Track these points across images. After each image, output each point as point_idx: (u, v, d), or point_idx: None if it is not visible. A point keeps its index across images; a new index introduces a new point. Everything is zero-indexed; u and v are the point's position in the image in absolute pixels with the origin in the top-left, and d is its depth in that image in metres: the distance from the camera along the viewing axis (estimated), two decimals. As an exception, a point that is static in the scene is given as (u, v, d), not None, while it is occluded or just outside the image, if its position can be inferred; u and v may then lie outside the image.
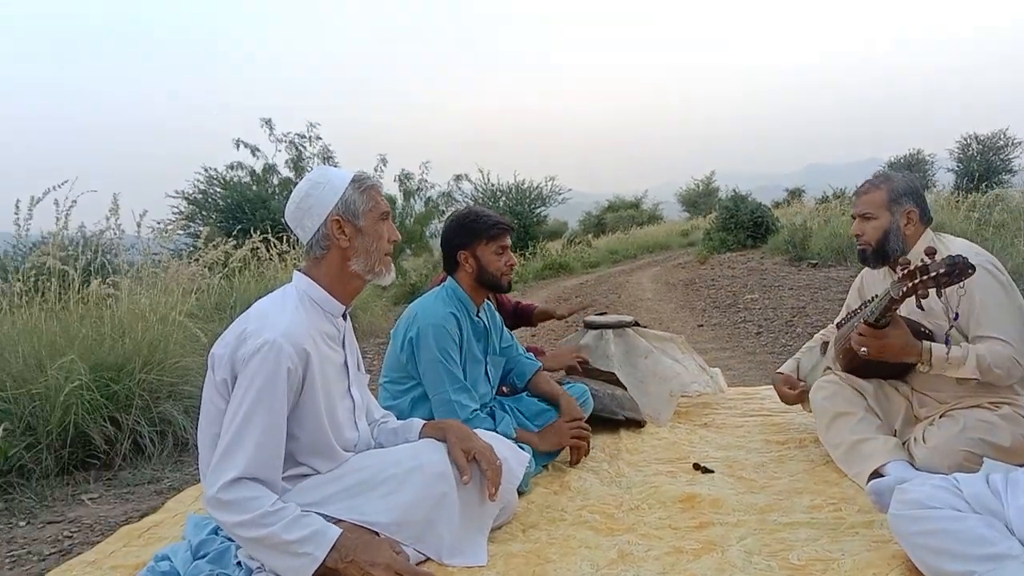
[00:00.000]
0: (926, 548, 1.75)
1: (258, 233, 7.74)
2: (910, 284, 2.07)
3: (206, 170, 16.55)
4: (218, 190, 16.34)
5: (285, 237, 8.51)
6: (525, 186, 23.02)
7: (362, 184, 2.06)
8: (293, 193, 2.08)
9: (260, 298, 2.08)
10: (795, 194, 32.33)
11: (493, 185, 22.88)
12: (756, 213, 17.03)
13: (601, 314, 4.21)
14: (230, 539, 2.06)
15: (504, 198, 22.56)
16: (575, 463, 2.87)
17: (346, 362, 2.14)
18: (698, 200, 38.85)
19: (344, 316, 2.15)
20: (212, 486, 1.83)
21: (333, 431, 2.05)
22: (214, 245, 6.46)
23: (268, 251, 7.99)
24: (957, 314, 2.30)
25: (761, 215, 17.01)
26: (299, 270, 2.11)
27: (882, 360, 2.37)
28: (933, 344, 2.36)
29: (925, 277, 2.04)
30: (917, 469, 2.39)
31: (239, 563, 1.97)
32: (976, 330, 2.36)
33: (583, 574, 1.96)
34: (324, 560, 1.82)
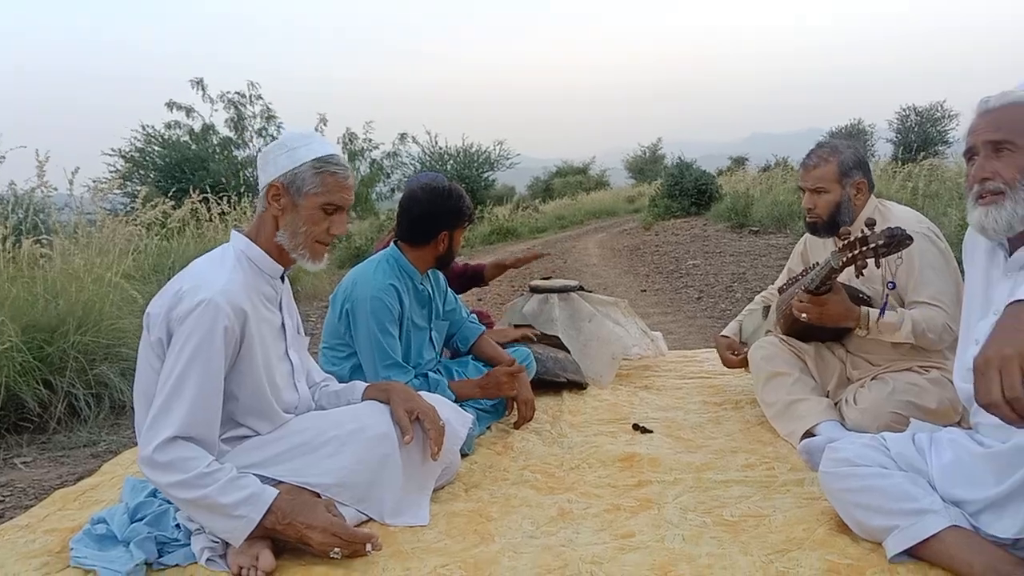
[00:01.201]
0: (854, 504, 1.82)
1: (197, 193, 7.55)
2: (849, 255, 2.13)
3: (144, 128, 16.03)
4: (156, 148, 15.85)
5: (226, 197, 8.31)
6: (473, 150, 22.84)
7: (324, 167, 1.98)
8: (272, 143, 2.06)
9: (198, 258, 2.05)
10: (739, 162, 32.81)
11: (441, 148, 22.63)
12: (700, 181, 17.25)
13: (546, 278, 4.24)
14: (169, 501, 2.04)
15: (452, 161, 22.35)
16: (519, 426, 2.90)
17: (283, 324, 2.11)
18: (645, 167, 39.15)
19: (282, 278, 2.12)
20: (147, 446, 1.80)
21: (272, 392, 2.03)
22: (152, 205, 6.28)
23: (208, 211, 7.80)
24: (893, 283, 2.38)
25: (705, 183, 17.24)
26: (237, 229, 2.07)
27: (822, 325, 2.44)
28: (870, 310, 2.44)
29: (864, 248, 2.09)
30: (848, 429, 2.49)
31: (178, 525, 1.96)
32: (913, 295, 2.44)
33: (523, 532, 2.00)
34: (260, 522, 1.81)
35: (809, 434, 2.52)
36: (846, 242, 2.14)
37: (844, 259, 2.15)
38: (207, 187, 8.44)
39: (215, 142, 16.36)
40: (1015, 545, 1.59)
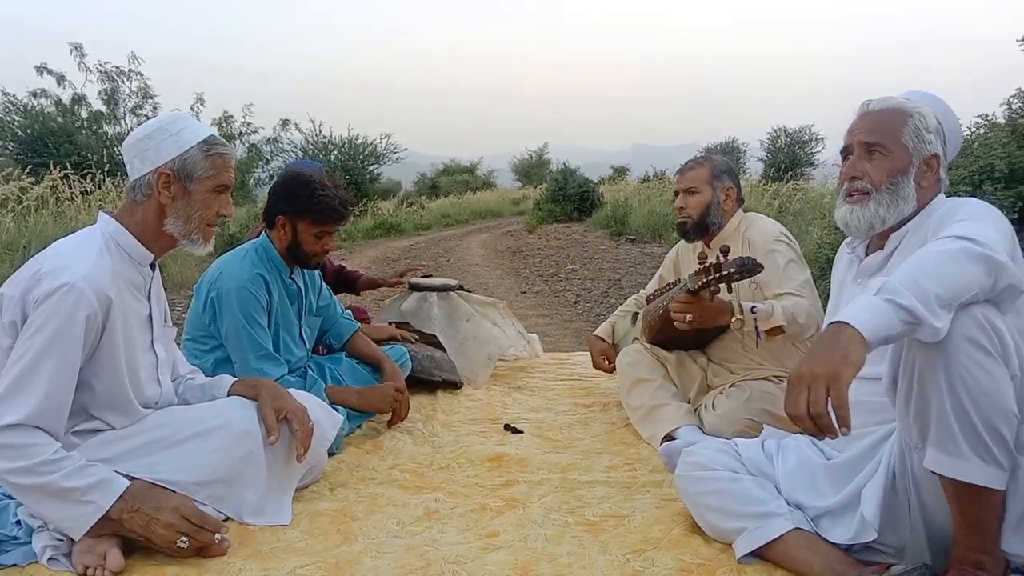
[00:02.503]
0: (706, 507, 1.92)
1: (59, 169, 7.06)
2: (704, 279, 2.24)
3: (4, 94, 14.83)
4: (16, 119, 14.70)
5: (91, 175, 7.81)
6: (359, 141, 22.41)
7: (211, 149, 1.94)
8: (142, 126, 1.95)
9: (59, 239, 1.92)
10: (620, 172, 33.77)
11: (325, 137, 22.09)
12: (583, 188, 17.65)
13: (426, 276, 4.22)
14: (10, 497, 1.91)
15: (336, 152, 21.85)
16: (391, 425, 2.87)
17: (151, 314, 2.01)
18: (531, 170, 39.64)
19: (152, 266, 2.02)
20: None
21: (132, 386, 1.93)
22: (4, 177, 5.82)
23: (70, 189, 7.31)
24: (754, 306, 2.49)
25: (588, 190, 17.65)
26: (107, 212, 1.96)
27: (699, 325, 2.52)
28: (744, 303, 2.55)
29: (718, 275, 2.21)
30: (706, 433, 2.61)
31: (18, 522, 1.83)
32: (778, 288, 2.57)
33: (388, 532, 1.99)
34: (109, 510, 1.73)
35: (669, 437, 2.63)
36: (701, 267, 2.25)
37: (700, 283, 2.25)
38: (70, 163, 7.87)
39: (84, 115, 15.33)
40: (851, 548, 1.71)
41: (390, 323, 3.67)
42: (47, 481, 1.69)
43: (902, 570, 1.49)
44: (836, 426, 1.29)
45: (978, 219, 1.54)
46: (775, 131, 29.73)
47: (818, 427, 1.29)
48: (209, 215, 1.96)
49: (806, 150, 29.07)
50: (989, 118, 3.85)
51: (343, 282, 3.76)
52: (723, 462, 1.94)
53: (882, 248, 1.82)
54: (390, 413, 2.83)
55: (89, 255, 1.82)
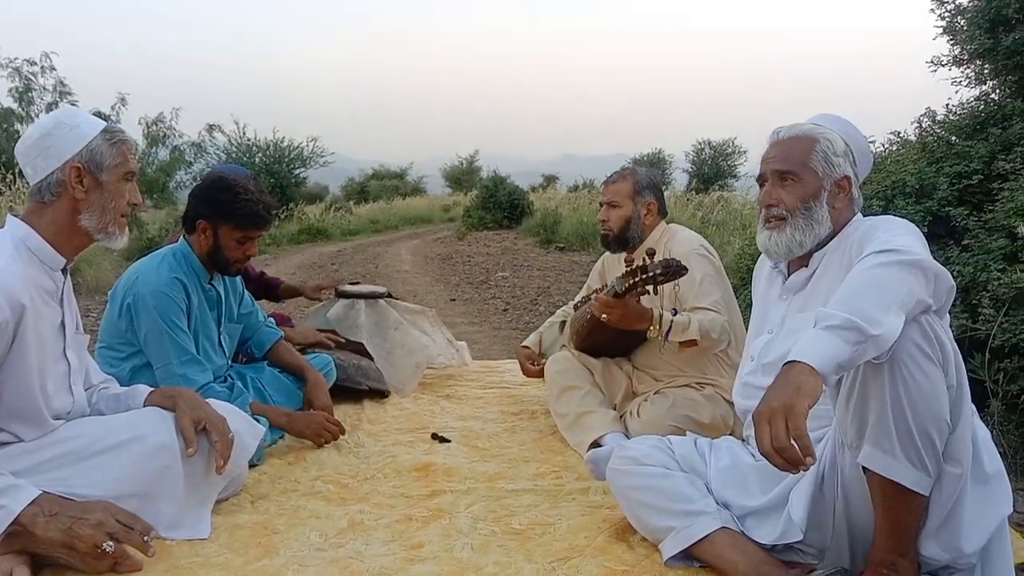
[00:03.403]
0: (636, 502, 1.95)
1: (-37, 168, 6.72)
2: (631, 281, 2.28)
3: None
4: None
5: (1, 176, 7.46)
6: (284, 144, 21.96)
7: (114, 136, 1.90)
8: (33, 127, 1.88)
9: None
10: (550, 180, 34.04)
11: (249, 140, 21.58)
12: (513, 195, 17.73)
13: (354, 283, 4.17)
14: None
15: (260, 155, 21.36)
16: (320, 445, 2.76)
17: (63, 321, 1.94)
18: (461, 177, 39.59)
19: (64, 271, 1.94)
20: None
21: (43, 396, 1.85)
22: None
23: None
24: (675, 310, 2.55)
25: (518, 198, 17.73)
26: (14, 215, 1.88)
27: (620, 329, 2.55)
28: (663, 312, 2.60)
29: (644, 276, 2.25)
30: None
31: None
32: (694, 302, 2.63)
33: (311, 544, 1.95)
34: (19, 514, 1.65)
35: (596, 445, 2.66)
36: (628, 269, 2.29)
37: (626, 285, 2.29)
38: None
39: (-6, 112, 14.64)
40: (775, 549, 1.76)
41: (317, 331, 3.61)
42: None
43: (821, 573, 1.54)
44: (802, 456, 1.32)
45: (899, 233, 1.61)
46: (699, 143, 30.50)
47: (786, 460, 1.33)
48: (122, 204, 1.92)
49: (729, 162, 29.89)
50: (901, 135, 4.02)
51: (265, 287, 3.69)
52: (656, 458, 1.97)
53: (806, 266, 1.89)
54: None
55: (0, 260, 1.74)
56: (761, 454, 1.36)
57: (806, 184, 1.83)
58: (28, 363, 1.78)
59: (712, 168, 28.71)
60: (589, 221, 12.44)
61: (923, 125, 3.94)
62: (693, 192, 14.72)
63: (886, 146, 4.11)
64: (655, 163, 30.87)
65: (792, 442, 1.32)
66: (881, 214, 2.31)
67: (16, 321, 1.72)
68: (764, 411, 1.35)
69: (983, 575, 1.58)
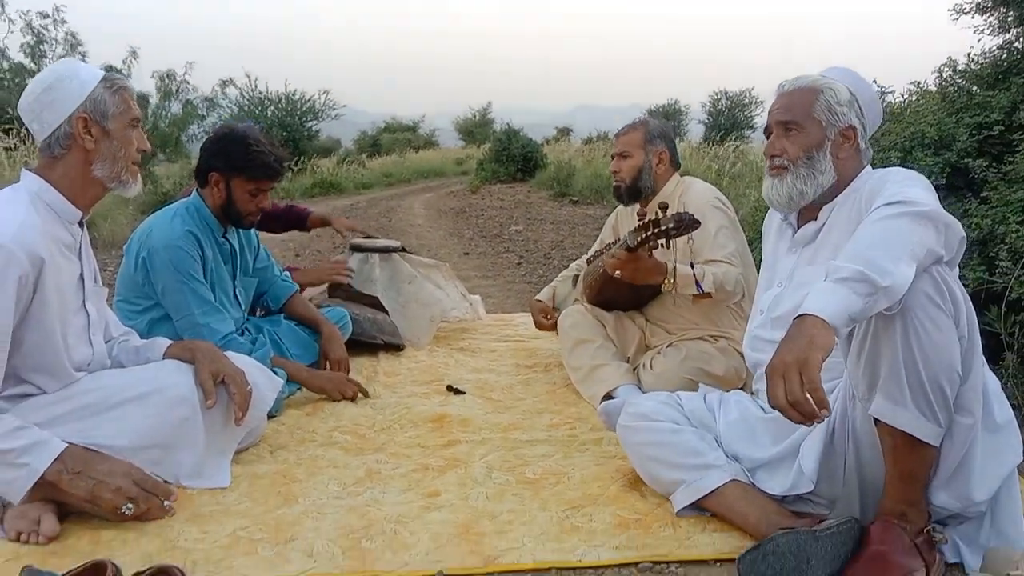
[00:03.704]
0: (647, 457, 1.97)
1: (-22, 125, 6.74)
2: (644, 235, 2.27)
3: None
4: (-68, 74, 13.89)
5: (15, 130, 7.48)
6: (296, 97, 21.82)
7: (114, 84, 1.90)
8: (33, 83, 1.87)
9: None
10: (564, 132, 33.73)
11: (261, 93, 21.44)
12: (527, 148, 17.61)
13: (368, 237, 4.18)
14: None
15: (273, 108, 21.25)
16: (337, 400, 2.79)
17: (82, 274, 1.96)
18: (474, 129, 39.28)
19: (81, 224, 1.96)
20: None
21: (65, 348, 1.88)
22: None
23: (-6, 145, 7.00)
24: (693, 263, 2.53)
25: (531, 151, 17.61)
26: (29, 169, 1.89)
27: (633, 284, 2.55)
28: (677, 265, 2.60)
29: (657, 230, 2.24)
30: (644, 393, 2.67)
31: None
32: (709, 255, 2.61)
33: (329, 493, 1.99)
34: (44, 472, 1.70)
35: (609, 397, 2.68)
36: (640, 223, 2.28)
37: (639, 239, 2.29)
38: (-7, 120, 7.53)
39: (6, 67, 14.58)
40: (785, 500, 1.78)
41: (331, 285, 3.63)
42: None
43: (832, 523, 1.56)
44: (817, 409, 1.33)
45: (909, 184, 1.60)
46: (716, 94, 30.03)
47: (801, 414, 1.34)
48: (131, 151, 1.93)
49: (746, 113, 29.45)
50: (921, 85, 3.95)
51: (293, 219, 3.64)
52: (666, 414, 1.99)
53: (815, 219, 1.88)
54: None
55: (16, 215, 1.76)
56: (774, 408, 1.37)
57: (809, 134, 1.84)
58: (50, 315, 1.81)
59: (728, 119, 28.32)
60: (603, 174, 12.35)
61: (944, 75, 3.86)
62: (709, 144, 14.53)
63: (906, 97, 4.04)
64: (671, 114, 30.48)
65: (807, 395, 1.33)
66: (899, 166, 2.28)
67: (36, 274, 1.75)
68: (777, 365, 1.36)
69: (992, 522, 1.60)
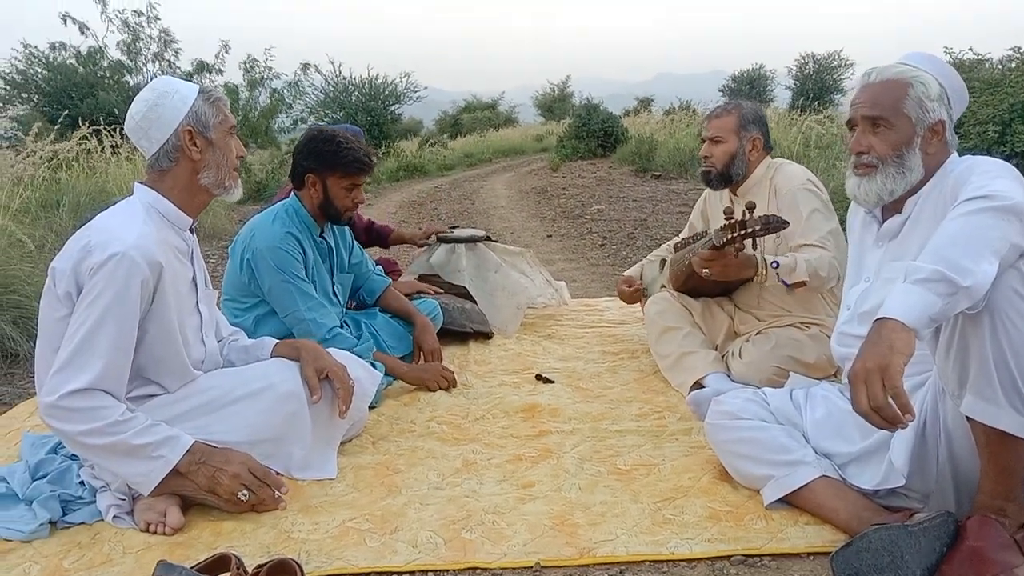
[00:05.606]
0: (735, 454, 1.99)
1: (87, 124, 7.15)
2: (730, 235, 2.26)
3: (26, 47, 14.85)
4: (40, 71, 14.76)
5: (119, 129, 7.89)
6: (379, 81, 22.21)
7: (211, 96, 2.04)
8: (136, 102, 2.00)
9: (92, 197, 2.01)
10: (644, 103, 33.17)
11: (345, 78, 21.92)
12: (607, 123, 17.40)
13: (453, 228, 4.28)
14: (71, 457, 2.04)
15: (357, 93, 21.70)
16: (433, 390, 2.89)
17: (195, 277, 2.11)
18: (553, 105, 39.04)
19: (191, 230, 2.11)
20: (51, 394, 1.79)
21: (184, 346, 2.04)
22: (36, 135, 5.88)
23: (100, 144, 7.41)
24: (776, 261, 2.51)
25: (611, 125, 17.40)
26: (141, 183, 2.04)
27: (722, 279, 2.54)
28: (768, 256, 2.56)
29: (743, 232, 2.23)
30: (733, 381, 2.67)
31: (82, 483, 1.97)
32: (801, 239, 2.58)
33: (429, 483, 2.09)
34: (177, 464, 1.86)
35: (698, 385, 2.70)
36: (727, 223, 2.28)
37: (725, 239, 2.28)
38: (99, 118, 7.97)
39: (105, 65, 15.36)
40: (876, 494, 1.78)
41: (419, 276, 3.75)
42: (118, 440, 1.81)
43: (925, 517, 1.55)
44: (901, 414, 1.34)
45: (994, 176, 1.55)
46: (803, 57, 28.93)
47: (885, 419, 1.34)
48: (232, 158, 2.06)
49: (835, 76, 28.28)
50: (1022, 51, 3.71)
51: (374, 237, 3.83)
52: (752, 411, 2.00)
53: (899, 212, 1.84)
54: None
55: (134, 225, 1.90)
56: (858, 414, 1.37)
57: (898, 131, 1.77)
58: (170, 317, 1.96)
59: (817, 83, 27.27)
60: (687, 147, 12.11)
61: (1051, 38, 3.64)
62: (798, 111, 14.03)
63: (1004, 63, 3.81)
64: (755, 80, 29.52)
65: (889, 401, 1.33)
66: (997, 139, 2.19)
67: (156, 279, 1.89)
68: (859, 371, 1.36)
69: None
